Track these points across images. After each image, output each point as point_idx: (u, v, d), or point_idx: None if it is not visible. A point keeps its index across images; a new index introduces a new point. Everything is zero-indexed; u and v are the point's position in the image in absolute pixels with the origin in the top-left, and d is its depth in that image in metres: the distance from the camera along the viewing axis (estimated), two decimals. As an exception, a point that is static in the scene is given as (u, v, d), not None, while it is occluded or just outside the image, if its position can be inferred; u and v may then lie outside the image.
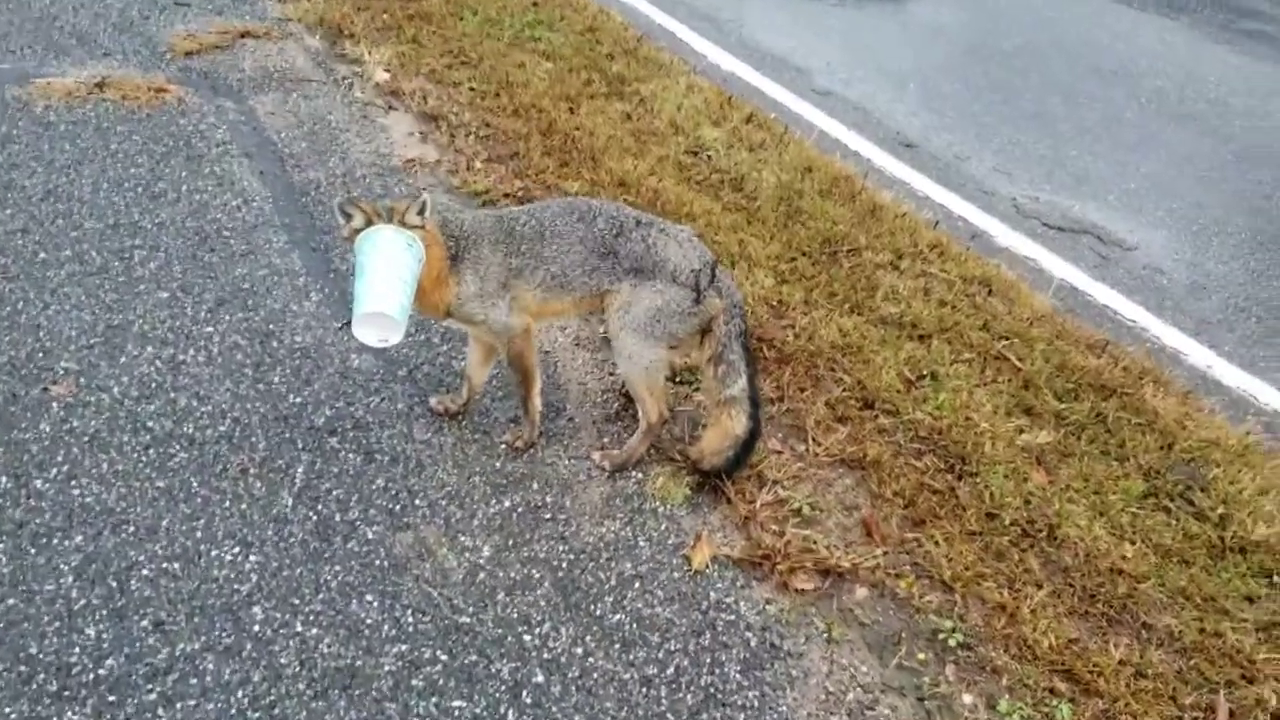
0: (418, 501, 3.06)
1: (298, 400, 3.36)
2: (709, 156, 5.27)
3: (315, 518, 2.95)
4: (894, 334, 4.00)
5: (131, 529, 2.82)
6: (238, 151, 4.79)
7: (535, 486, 3.19)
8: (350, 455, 3.18)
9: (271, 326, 3.68)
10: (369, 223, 2.90)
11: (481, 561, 2.89)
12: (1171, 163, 6.55)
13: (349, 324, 3.63)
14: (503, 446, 3.32)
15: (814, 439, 3.45)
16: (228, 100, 5.27)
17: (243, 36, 6.03)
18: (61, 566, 2.68)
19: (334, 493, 3.04)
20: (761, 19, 7.97)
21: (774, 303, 4.09)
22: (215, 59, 5.71)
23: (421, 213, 2.95)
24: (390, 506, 3.02)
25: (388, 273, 2.78)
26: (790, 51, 7.45)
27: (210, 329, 3.62)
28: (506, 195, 4.69)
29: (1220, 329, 4.77)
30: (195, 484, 2.99)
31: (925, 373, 3.79)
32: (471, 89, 5.64)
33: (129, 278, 3.81)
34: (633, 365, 3.14)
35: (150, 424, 3.17)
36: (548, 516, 3.08)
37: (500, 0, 6.79)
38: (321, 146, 4.96)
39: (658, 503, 3.18)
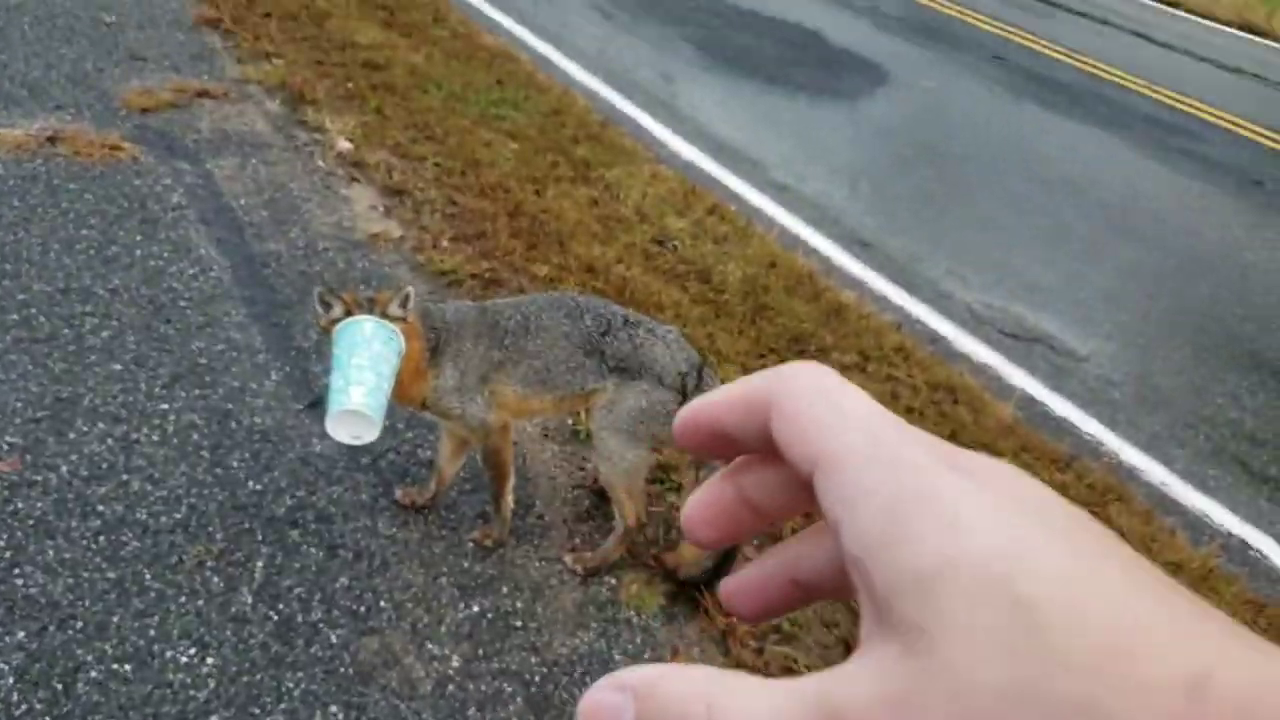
0: (383, 603, 2.91)
1: (257, 487, 3.20)
2: (675, 247, 5.26)
3: (276, 617, 2.78)
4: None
5: (79, 625, 2.62)
6: (195, 217, 4.64)
7: (505, 590, 3.06)
8: (312, 549, 3.02)
9: (230, 406, 3.52)
10: (349, 314, 2.80)
11: (451, 672, 2.75)
12: (1118, 275, 6.73)
13: (310, 406, 3.51)
14: (470, 544, 3.19)
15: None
16: (184, 162, 5.12)
17: (200, 96, 5.90)
18: (1, 666, 2.47)
19: (296, 590, 2.88)
20: (717, 110, 8.07)
21: (745, 402, 4.04)
22: (171, 118, 5.57)
23: (404, 305, 2.87)
24: (354, 608, 2.87)
25: (366, 369, 2.69)
26: (746, 144, 7.54)
27: (165, 406, 3.44)
28: (474, 276, 4.61)
29: (1171, 444, 4.85)
30: (149, 576, 2.81)
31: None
32: (437, 164, 5.57)
33: (79, 347, 3.63)
34: (613, 466, 3.06)
35: (101, 508, 2.99)
36: (518, 624, 2.95)
37: (465, 76, 6.77)
38: (282, 216, 4.83)
39: (632, 612, 3.07)
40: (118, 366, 3.57)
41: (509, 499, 3.21)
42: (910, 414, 4.23)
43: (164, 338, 3.78)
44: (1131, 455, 4.65)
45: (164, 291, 4.05)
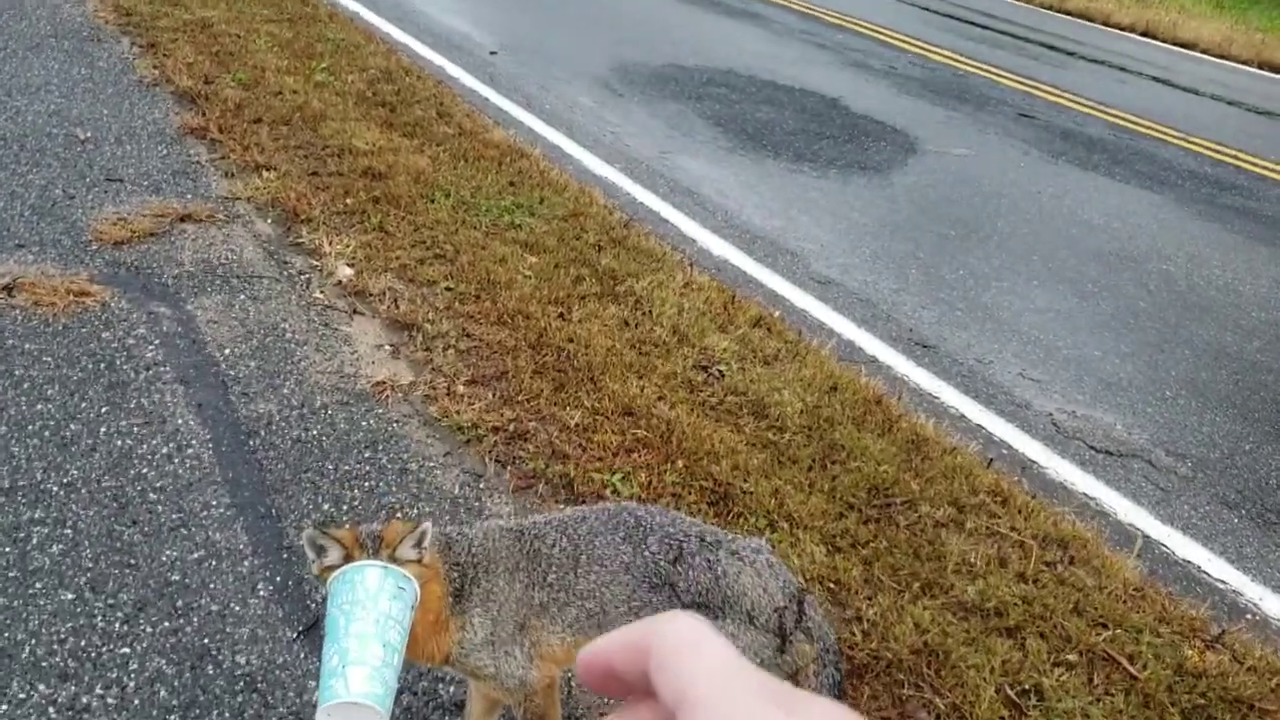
0: None
1: (240, 767, 2.53)
2: (720, 373, 4.61)
3: None
4: (978, 627, 3.29)
5: None
6: (171, 376, 4.01)
7: None
8: None
9: (206, 642, 2.85)
10: (348, 558, 2.16)
11: None
12: (1201, 363, 6.06)
13: (306, 631, 2.84)
14: (513, 826, 2.51)
15: (914, 804, 2.68)
16: (162, 305, 4.51)
17: (183, 220, 5.31)
18: None
19: None
20: (746, 195, 7.47)
21: (830, 583, 3.37)
22: (149, 249, 4.97)
23: (420, 544, 2.22)
24: None
25: (370, 638, 2.04)
26: (780, 232, 6.93)
27: (126, 650, 2.78)
28: (495, 430, 3.96)
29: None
30: None
31: (1028, 686, 3.07)
32: (448, 289, 4.95)
33: (23, 571, 2.98)
34: (693, 727, 2.37)
35: (33, 827, 2.31)
36: None
37: (474, 179, 6.17)
38: (274, 366, 4.20)
39: None
40: (69, 595, 2.92)
41: (560, 768, 2.53)
42: (1024, 582, 3.54)
43: (128, 548, 3.12)
44: (1276, 606, 3.94)
45: (131, 481, 3.40)
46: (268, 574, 3.13)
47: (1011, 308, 6.48)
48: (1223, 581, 4.05)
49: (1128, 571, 3.74)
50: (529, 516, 2.53)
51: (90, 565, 3.03)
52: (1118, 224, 8.44)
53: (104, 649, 2.77)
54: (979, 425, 4.86)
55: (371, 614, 2.08)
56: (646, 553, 2.39)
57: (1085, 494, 4.47)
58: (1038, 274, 7.13)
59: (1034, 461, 4.66)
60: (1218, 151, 11.16)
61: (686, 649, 0.42)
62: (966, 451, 4.39)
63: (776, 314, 5.42)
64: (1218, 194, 9.64)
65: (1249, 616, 3.83)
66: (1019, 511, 3.95)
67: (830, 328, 5.55)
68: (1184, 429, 5.25)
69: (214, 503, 3.38)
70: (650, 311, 5.03)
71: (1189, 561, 4.13)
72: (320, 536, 2.18)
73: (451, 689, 2.86)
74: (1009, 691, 3.04)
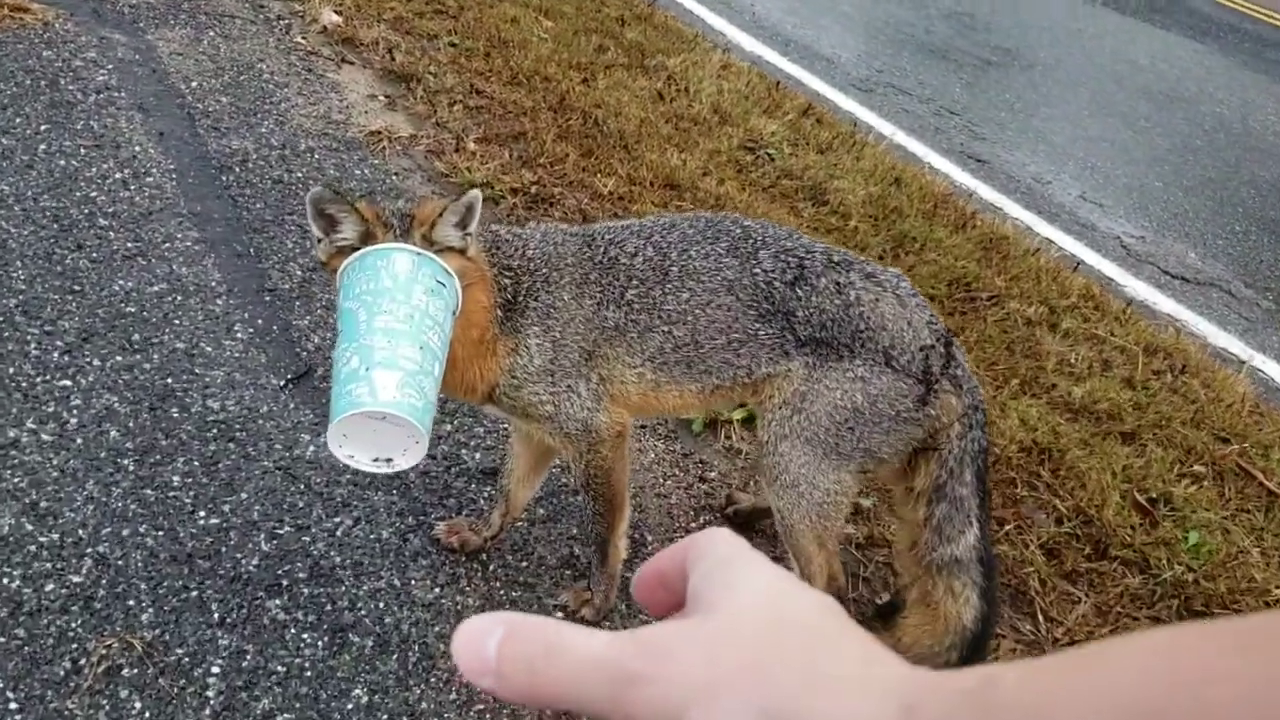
0: (429, 736, 1.71)
1: (212, 524, 1.97)
2: (770, 155, 4.00)
3: (245, 784, 1.58)
4: (1090, 430, 2.80)
5: None
6: (127, 102, 3.33)
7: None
8: (305, 635, 1.81)
9: (169, 382, 2.27)
10: (369, 239, 1.57)
11: None
12: (1268, 202, 5.54)
13: (295, 380, 2.28)
14: (558, 613, 1.99)
15: (1043, 611, 2.20)
16: (116, 32, 3.78)
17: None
18: None
19: (278, 718, 1.67)
20: (772, 2, 6.73)
21: (916, 374, 2.84)
22: (101, -22, 4.20)
23: (464, 225, 1.63)
24: (382, 751, 1.67)
25: (402, 336, 1.48)
26: (813, 40, 6.24)
27: (67, 382, 2.20)
28: (515, 191, 3.35)
29: None
30: (37, 686, 1.59)
31: (1155, 495, 2.59)
32: (452, 44, 4.25)
33: (-65, 286, 2.36)
34: (798, 499, 1.86)
35: (-61, 575, 1.76)
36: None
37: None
38: (249, 105, 3.53)
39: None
40: (-5, 318, 2.31)
41: (621, 545, 2.01)
42: (1132, 389, 3.05)
43: (72, 273, 2.51)
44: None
45: (77, 204, 2.77)
46: (245, 316, 2.54)
47: (1064, 134, 5.89)
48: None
49: (1241, 387, 3.25)
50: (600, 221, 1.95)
51: (24, 287, 2.41)
52: (1163, 65, 7.83)
53: (38, 380, 2.18)
54: (1048, 240, 4.31)
55: (403, 307, 1.50)
56: (757, 269, 1.82)
57: (1170, 315, 3.96)
58: (1087, 105, 6.53)
59: (1110, 279, 4.14)
60: (1255, 11, 10.52)
61: (726, 538, 0.40)
62: (1050, 254, 3.85)
63: (825, 108, 4.79)
64: (1262, 49, 9.04)
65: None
66: (1115, 319, 3.44)
67: (879, 131, 4.94)
68: (1259, 264, 4.75)
69: (178, 235, 2.76)
70: (686, 89, 4.38)
71: (1294, 389, 3.66)
72: (332, 201, 1.58)
73: (478, 454, 2.32)
74: (1137, 497, 2.56)
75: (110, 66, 3.51)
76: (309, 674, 1.75)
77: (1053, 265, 3.67)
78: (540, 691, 0.36)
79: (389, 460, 1.50)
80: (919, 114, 5.50)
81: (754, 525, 2.31)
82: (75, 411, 2.13)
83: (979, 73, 6.63)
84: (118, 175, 2.94)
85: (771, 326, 1.82)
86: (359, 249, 1.57)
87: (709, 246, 1.84)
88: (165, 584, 1.83)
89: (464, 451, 2.31)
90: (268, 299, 2.62)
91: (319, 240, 1.62)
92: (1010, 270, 3.53)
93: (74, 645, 1.68)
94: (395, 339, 1.47)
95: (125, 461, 2.04)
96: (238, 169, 3.14)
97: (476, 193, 1.62)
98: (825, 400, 1.80)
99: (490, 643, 0.36)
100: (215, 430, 2.18)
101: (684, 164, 3.64)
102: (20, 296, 2.38)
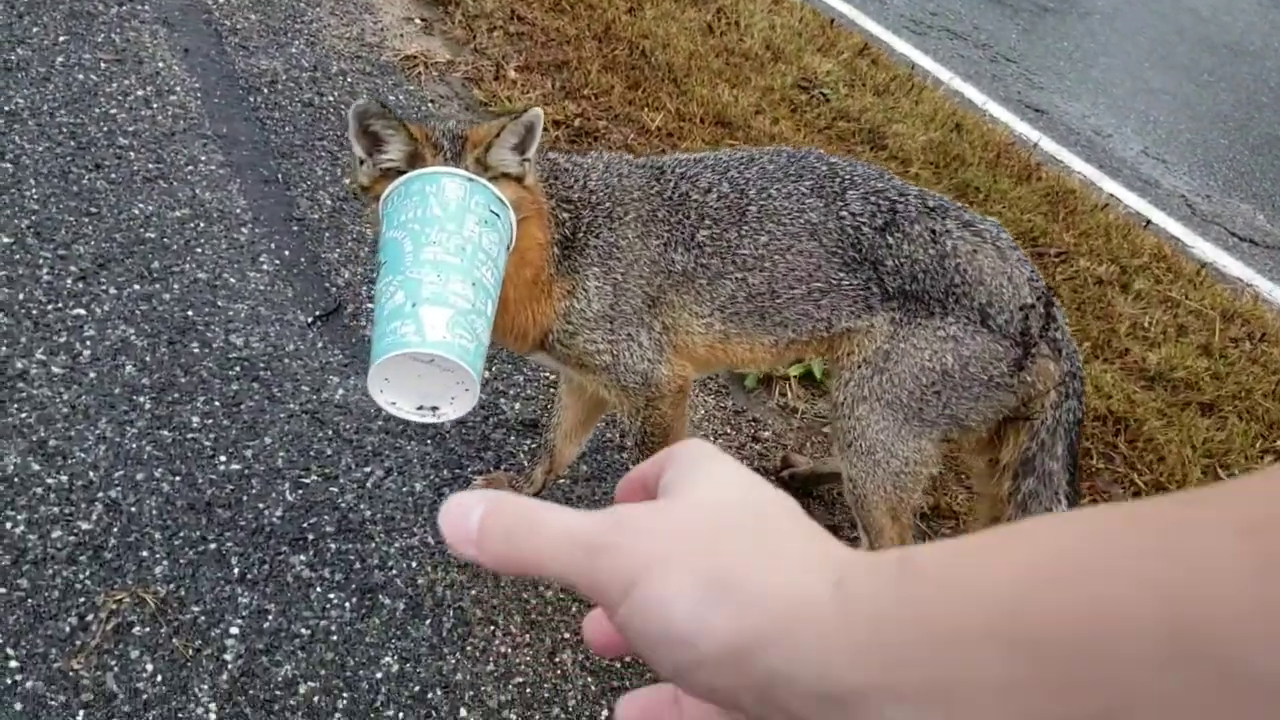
0: (461, 711, 1.57)
1: (233, 470, 1.82)
2: (825, 95, 3.78)
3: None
4: (1167, 399, 2.61)
5: None
6: (151, 16, 3.13)
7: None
8: (331, 595, 1.67)
9: (190, 314, 2.11)
10: (415, 161, 1.40)
11: None
12: (1342, 164, 5.27)
13: (324, 318, 2.12)
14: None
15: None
16: (141, -60, 3.57)
17: None
18: None
19: (301, 685, 1.53)
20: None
21: (983, 333, 2.66)
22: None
23: (522, 149, 1.46)
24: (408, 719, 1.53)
25: (453, 270, 1.31)
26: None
27: (81, 311, 2.04)
28: (557, 124, 3.15)
29: None
30: (10, 655, 1.45)
31: (1237, 472, 2.41)
32: (493, -33, 4.02)
33: (-58, 204, 2.20)
34: (874, 467, 1.69)
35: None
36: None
37: None
38: (279, 24, 3.33)
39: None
40: (7, 239, 2.15)
41: (676, 508, 1.85)
42: (1209, 356, 2.86)
43: (88, 194, 2.34)
44: None
45: (95, 121, 2.59)
46: (273, 246, 2.37)
47: (1124, 85, 5.63)
48: None
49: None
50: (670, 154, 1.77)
51: (36, 208, 2.25)
52: (1227, 18, 7.50)
53: (50, 307, 2.02)
54: (1111, 195, 4.08)
55: (454, 238, 1.33)
56: (844, 212, 1.64)
57: (1239, 279, 3.75)
58: (1147, 56, 6.24)
59: (1176, 238, 3.92)
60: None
61: (701, 444, 0.42)
62: (1119, 210, 3.64)
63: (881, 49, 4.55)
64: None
65: None
66: (1189, 281, 3.23)
67: (936, 75, 4.69)
68: (1333, 230, 4.52)
69: (202, 158, 2.59)
70: (737, 23, 4.15)
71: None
72: (379, 117, 1.40)
73: (517, 405, 2.16)
74: (1220, 473, 2.38)
75: (133, -23, 3.31)
76: (335, 638, 1.60)
77: (1122, 222, 3.47)
78: (516, 559, 0.38)
79: (434, 409, 1.34)
80: (974, 59, 5.24)
81: (811, 491, 2.15)
82: (88, 343, 1.97)
83: (1035, 19, 6.34)
84: (139, 92, 2.76)
85: (856, 276, 1.64)
86: (405, 173, 1.39)
87: (791, 185, 1.65)
88: (181, 534, 1.68)
89: (503, 401, 2.15)
90: (296, 229, 2.45)
91: (361, 162, 1.45)
92: (1078, 226, 3.32)
93: (81, 599, 1.54)
94: (445, 273, 1.30)
95: (141, 399, 1.89)
96: (266, 90, 2.95)
97: (538, 111, 1.44)
98: (911, 361, 1.63)
99: (474, 515, 0.39)
100: (238, 368, 2.02)
101: (735, 100, 3.43)
102: (33, 217, 2.22)
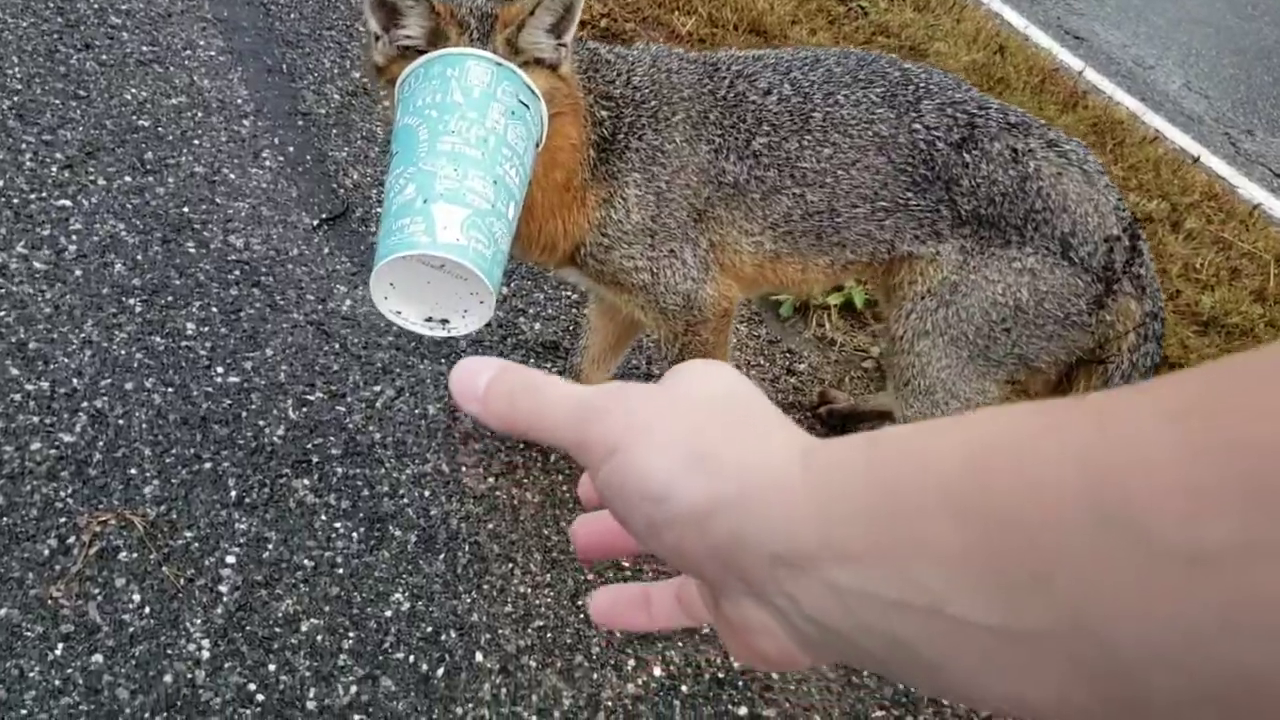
0: (477, 656, 1.44)
1: (231, 383, 1.67)
2: (863, 9, 3.57)
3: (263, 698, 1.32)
4: (1222, 346, 2.48)
5: None
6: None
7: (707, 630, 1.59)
8: (337, 524, 1.53)
9: (186, 211, 1.95)
10: (436, 40, 1.22)
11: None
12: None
13: (330, 221, 1.96)
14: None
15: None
16: None
17: None
18: None
19: (303, 623, 1.40)
20: None
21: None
22: None
23: (559, 32, 1.28)
24: (414, 660, 1.40)
25: (472, 164, 1.15)
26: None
27: (67, 202, 1.87)
28: (582, 24, 2.94)
29: None
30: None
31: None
32: None
33: (-85, 78, 2.01)
34: (932, 408, 1.57)
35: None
36: (735, 691, 1.50)
37: None
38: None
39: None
40: (-15, 121, 1.97)
41: (711, 443, 1.71)
42: (1263, 302, 2.71)
43: (77, 76, 2.15)
44: None
45: (84, -3, 2.39)
46: (275, 141, 2.19)
47: (1165, 14, 5.38)
48: None
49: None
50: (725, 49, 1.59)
51: (19, 88, 2.06)
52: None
53: (33, 197, 1.85)
54: (1154, 130, 3.89)
55: (475, 128, 1.16)
56: (917, 125, 1.47)
57: (1284, 221, 3.59)
58: (1188, -16, 5.99)
59: (1221, 177, 3.74)
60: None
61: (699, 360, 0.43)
62: (1168, 144, 3.46)
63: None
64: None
65: None
66: (1241, 222, 3.07)
67: (973, -4, 4.46)
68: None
69: (201, 42, 2.39)
70: (770, -73, 3.90)
71: None
72: (399, -13, 1.23)
73: (537, 325, 2.01)
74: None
75: None
76: (340, 571, 1.47)
77: (1172, 157, 3.29)
78: (517, 419, 0.41)
79: (444, 322, 1.19)
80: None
81: (850, 430, 2.01)
82: (74, 238, 1.80)
83: (1074, -59, 6.06)
84: (133, -32, 2.55)
85: (926, 198, 1.48)
86: (425, 53, 1.22)
87: (860, 91, 1.48)
88: (174, 451, 1.53)
89: (521, 320, 2.00)
90: (301, 123, 2.27)
91: (376, 38, 1.27)
92: (1127, 159, 3.15)
93: (62, 519, 1.40)
94: (463, 167, 1.13)
95: (131, 301, 1.73)
96: (270, -28, 2.74)
97: (578, -12, 1.26)
98: (982, 294, 1.48)
99: (482, 378, 0.42)
100: (237, 272, 1.86)
101: (771, 8, 3.22)
102: (16, 98, 2.04)
